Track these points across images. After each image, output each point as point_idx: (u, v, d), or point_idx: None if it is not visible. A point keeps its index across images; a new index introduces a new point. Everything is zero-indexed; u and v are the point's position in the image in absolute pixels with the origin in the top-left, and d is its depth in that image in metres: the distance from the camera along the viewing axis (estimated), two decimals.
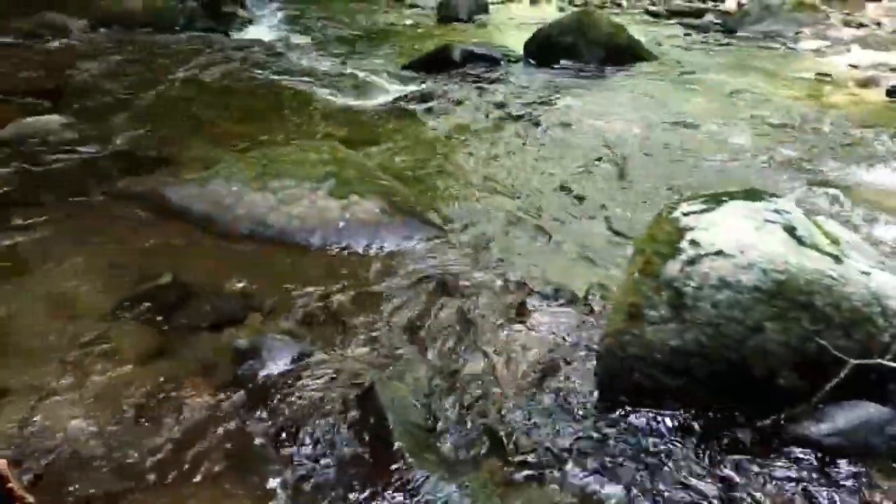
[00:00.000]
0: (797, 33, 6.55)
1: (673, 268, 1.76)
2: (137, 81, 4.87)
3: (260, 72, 5.25)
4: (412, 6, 8.63)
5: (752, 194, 2.02)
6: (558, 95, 4.61)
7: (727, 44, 6.21)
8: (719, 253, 1.73)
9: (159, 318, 2.21)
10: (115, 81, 4.86)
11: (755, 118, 4.18)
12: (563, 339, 2.10)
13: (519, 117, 4.16)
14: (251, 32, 7.04)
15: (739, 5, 8.01)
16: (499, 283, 2.42)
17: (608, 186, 3.23)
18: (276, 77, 5.15)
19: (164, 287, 2.37)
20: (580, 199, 3.10)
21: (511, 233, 2.78)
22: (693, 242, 1.77)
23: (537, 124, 4.03)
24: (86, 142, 3.64)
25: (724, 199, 1.96)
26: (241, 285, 2.38)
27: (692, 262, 1.74)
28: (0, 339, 2.12)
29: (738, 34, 6.63)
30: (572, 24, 5.29)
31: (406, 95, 4.65)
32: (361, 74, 5.32)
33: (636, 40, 5.47)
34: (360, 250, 2.59)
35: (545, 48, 5.35)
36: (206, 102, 4.46)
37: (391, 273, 2.46)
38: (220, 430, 1.74)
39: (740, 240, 1.74)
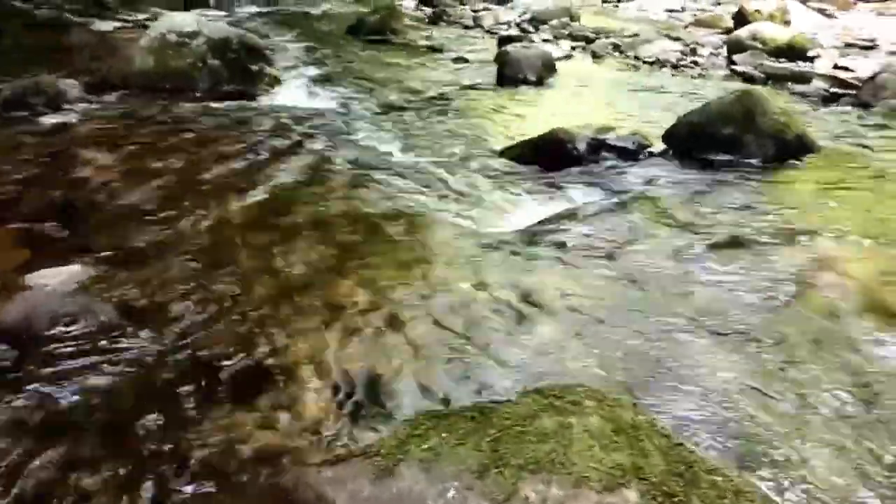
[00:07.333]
0: None
1: None
2: (167, 189, 3.57)
3: (321, 166, 4.02)
4: (458, 59, 7.43)
5: None
6: (749, 214, 3.38)
7: (882, 126, 5.12)
8: None
9: None
10: (138, 188, 3.55)
11: None
12: None
13: (731, 262, 2.93)
14: (282, 96, 5.78)
15: (840, 69, 7.03)
16: None
17: None
18: (341, 175, 3.90)
19: None
20: None
21: None
22: None
23: (768, 287, 2.77)
24: (130, 330, 2.33)
25: None
26: None
27: None
28: None
29: (876, 109, 5.57)
30: (733, 109, 4.11)
31: (547, 219, 3.40)
32: (454, 172, 4.11)
33: (807, 130, 4.34)
34: None
35: (696, 139, 4.15)
36: (271, 232, 3.14)
37: None
38: None
39: None
